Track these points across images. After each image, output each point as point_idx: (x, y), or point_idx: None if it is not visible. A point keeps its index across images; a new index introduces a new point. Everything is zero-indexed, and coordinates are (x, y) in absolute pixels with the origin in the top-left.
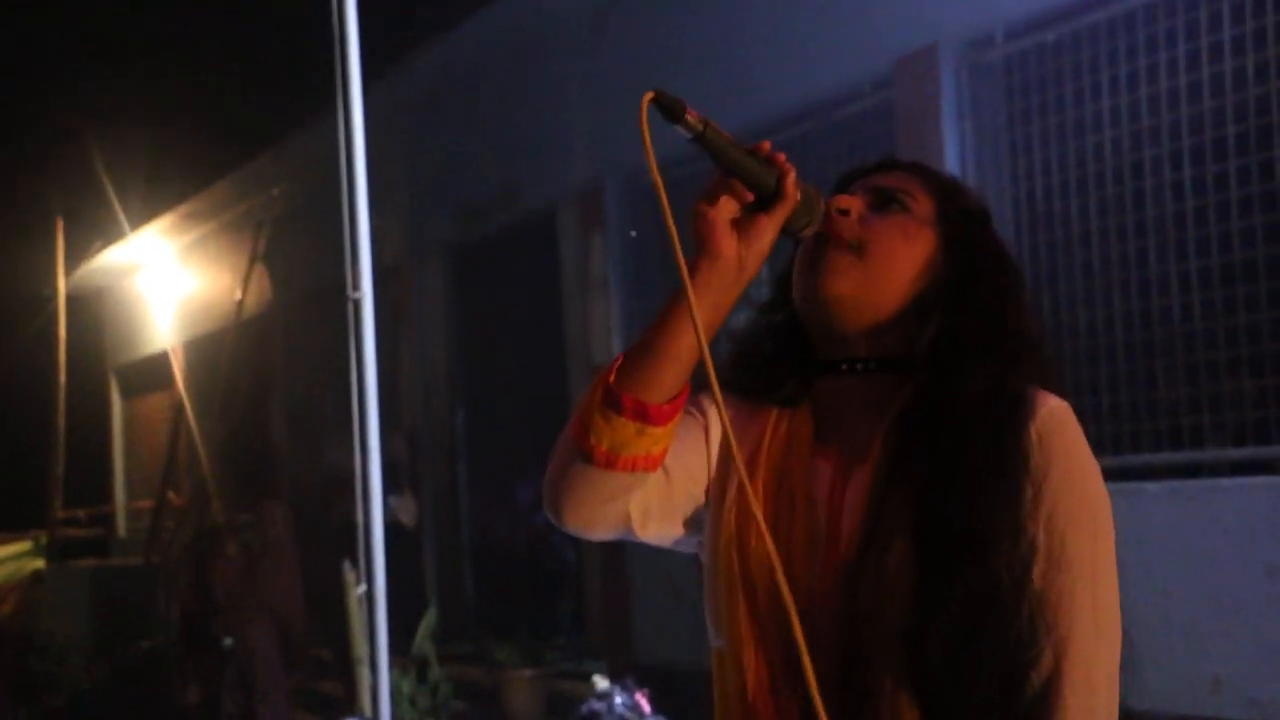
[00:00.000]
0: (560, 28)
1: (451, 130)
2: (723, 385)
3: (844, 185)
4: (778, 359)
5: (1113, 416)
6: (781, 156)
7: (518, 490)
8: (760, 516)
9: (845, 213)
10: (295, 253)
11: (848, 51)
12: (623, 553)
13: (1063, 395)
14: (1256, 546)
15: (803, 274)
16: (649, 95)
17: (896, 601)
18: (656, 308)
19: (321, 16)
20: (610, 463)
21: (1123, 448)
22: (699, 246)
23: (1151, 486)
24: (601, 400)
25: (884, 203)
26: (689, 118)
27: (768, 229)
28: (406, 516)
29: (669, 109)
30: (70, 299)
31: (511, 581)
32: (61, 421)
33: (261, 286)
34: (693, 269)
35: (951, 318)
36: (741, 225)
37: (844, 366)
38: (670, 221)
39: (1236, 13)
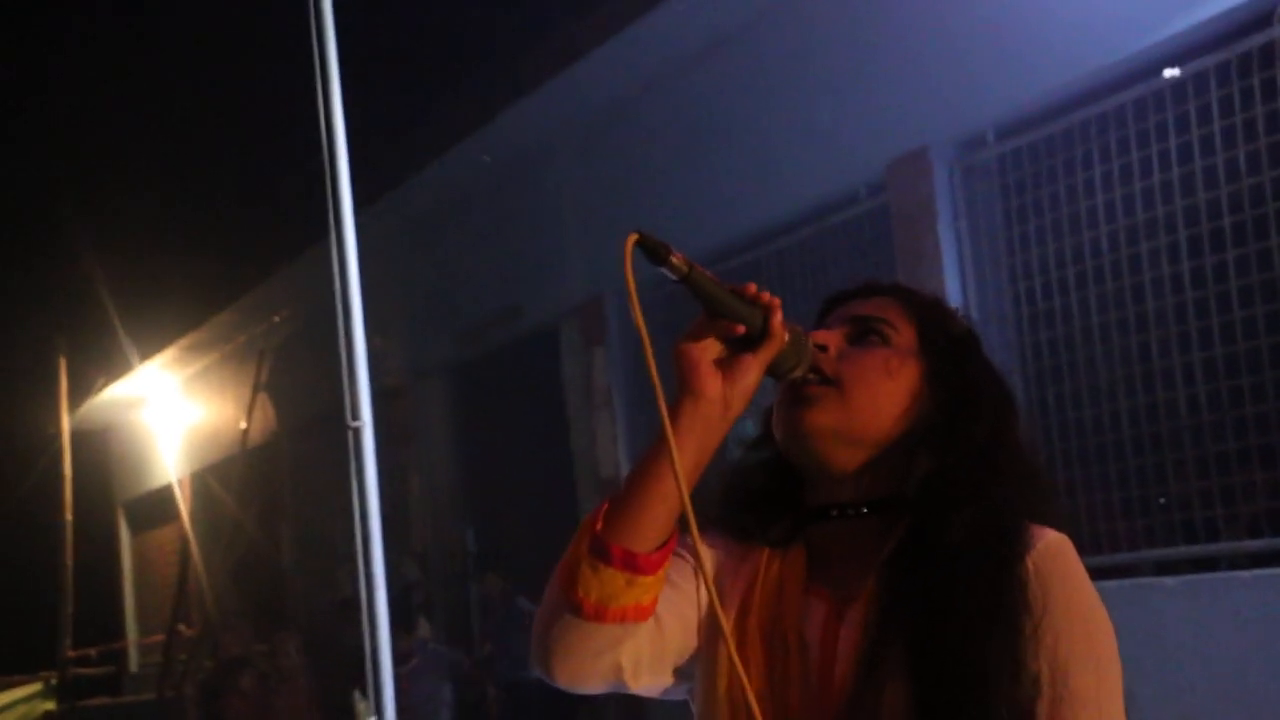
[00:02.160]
0: (553, 146)
1: (450, 250)
2: (713, 524)
3: (824, 313)
4: (768, 498)
5: (1124, 512)
6: (767, 296)
7: (531, 606)
8: (743, 672)
9: (824, 349)
10: (298, 380)
11: (841, 157)
12: None
13: (1061, 526)
14: (1278, 640)
15: (783, 410)
16: (633, 237)
17: None
18: (660, 422)
19: (316, 146)
20: (600, 615)
21: (1137, 543)
22: (682, 386)
23: (1169, 582)
24: (589, 550)
25: (863, 334)
26: (674, 260)
27: (753, 368)
28: (423, 636)
29: (653, 251)
30: (76, 435)
31: (530, 701)
32: (70, 560)
33: (266, 414)
34: (676, 409)
35: (941, 455)
36: (726, 365)
37: (834, 513)
38: (651, 361)
39: (1225, 105)
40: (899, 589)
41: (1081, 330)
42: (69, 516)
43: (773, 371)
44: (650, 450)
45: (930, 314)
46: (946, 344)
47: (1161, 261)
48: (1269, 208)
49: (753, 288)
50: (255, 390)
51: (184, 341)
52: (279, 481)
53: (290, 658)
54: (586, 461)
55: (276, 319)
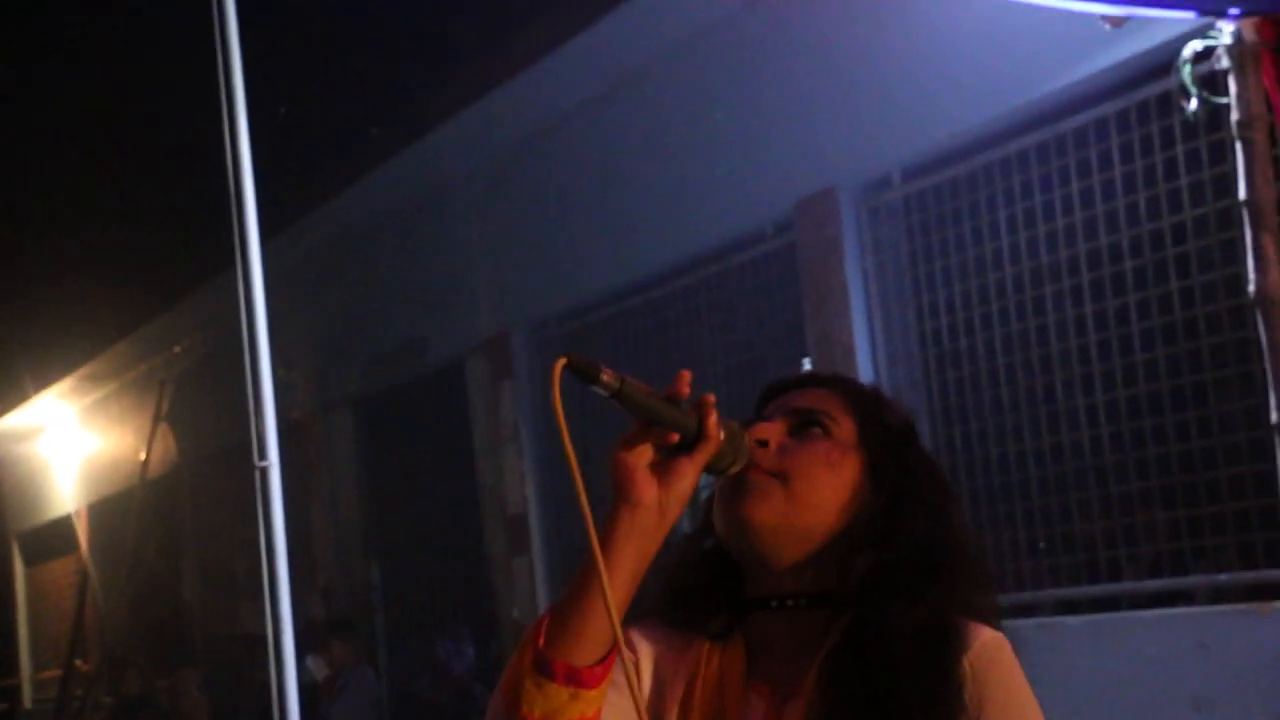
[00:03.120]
0: (461, 180)
1: (356, 283)
2: (653, 614)
3: (762, 402)
4: (707, 591)
5: (1029, 552)
6: (705, 397)
7: (438, 644)
8: None
9: (764, 444)
10: (200, 411)
11: (748, 195)
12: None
13: (996, 618)
14: (1180, 679)
15: (724, 503)
16: (561, 361)
17: None
18: (564, 457)
19: (220, 174)
20: None
21: (1041, 583)
22: (618, 494)
23: (1072, 621)
24: (532, 667)
25: (804, 426)
26: (604, 378)
27: (688, 472)
28: (323, 675)
29: (584, 372)
30: None
31: None
32: None
33: (166, 445)
34: (612, 517)
35: (881, 549)
36: (661, 470)
37: (774, 604)
38: (577, 474)
39: (1125, 151)
40: (838, 687)
41: (987, 371)
42: None
43: (710, 470)
44: (587, 565)
45: (868, 406)
46: (885, 436)
47: (1065, 304)
48: (1168, 252)
49: (687, 376)
50: (156, 421)
51: (82, 371)
52: (180, 514)
53: (192, 695)
54: (493, 497)
55: (177, 349)
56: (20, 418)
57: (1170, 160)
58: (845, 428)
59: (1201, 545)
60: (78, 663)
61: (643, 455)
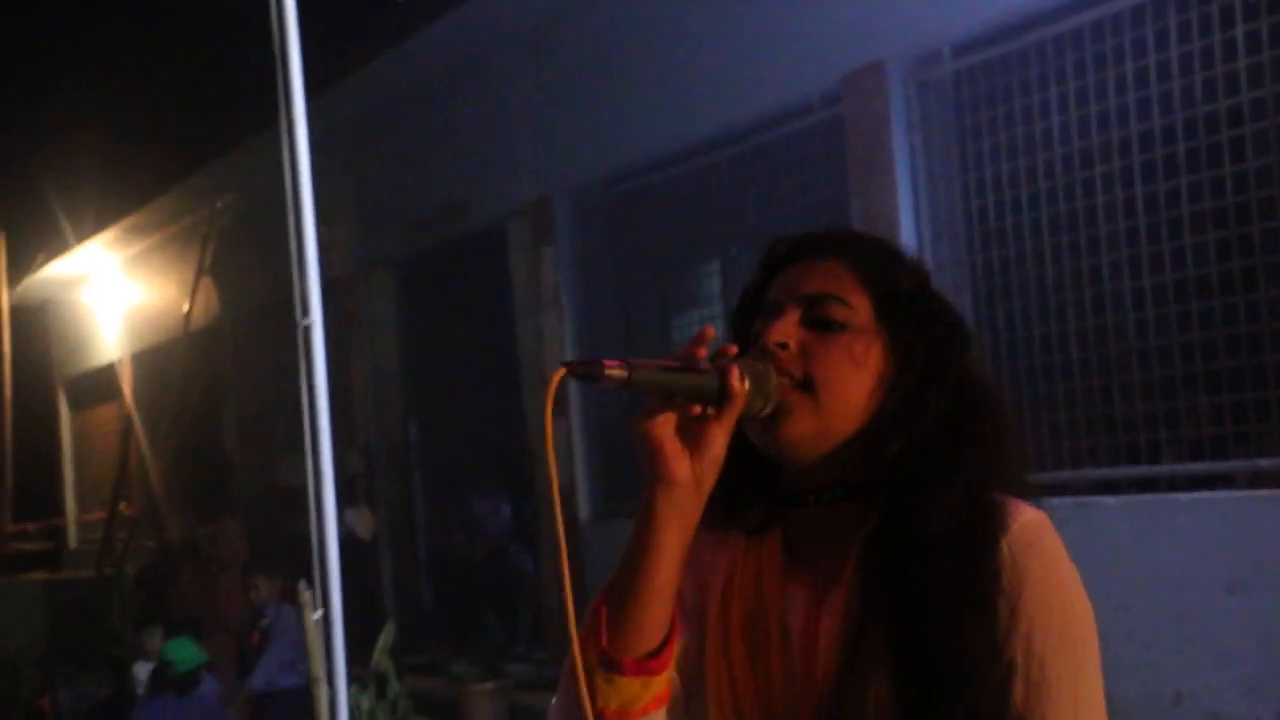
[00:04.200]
0: (505, 43)
1: (399, 143)
2: None
3: (767, 266)
4: (740, 486)
5: (1070, 432)
6: (725, 350)
7: (474, 502)
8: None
9: (784, 346)
10: (242, 265)
11: (795, 67)
12: (582, 561)
13: (1032, 490)
14: (1215, 561)
15: (757, 423)
16: (560, 372)
17: None
18: (610, 322)
19: (265, 30)
20: (624, 717)
21: (1080, 463)
22: (651, 474)
23: (1110, 501)
24: (600, 665)
25: (820, 319)
26: (610, 372)
27: (719, 436)
28: (363, 530)
29: (587, 375)
30: (15, 312)
31: (470, 593)
32: (9, 435)
33: (209, 299)
34: (649, 498)
35: (909, 432)
36: (690, 435)
37: (811, 499)
38: (557, 497)
39: (1182, 31)
40: (877, 576)
41: (1033, 250)
42: (8, 393)
43: (741, 419)
44: (633, 546)
45: (880, 273)
46: (901, 305)
47: (1115, 185)
48: (1222, 135)
49: (702, 348)
50: (198, 274)
51: (126, 222)
52: (222, 366)
53: (232, 544)
54: (532, 360)
55: (221, 204)
56: (66, 266)
57: (1229, 41)
58: (861, 309)
59: (1244, 430)
60: (121, 506)
61: (668, 424)
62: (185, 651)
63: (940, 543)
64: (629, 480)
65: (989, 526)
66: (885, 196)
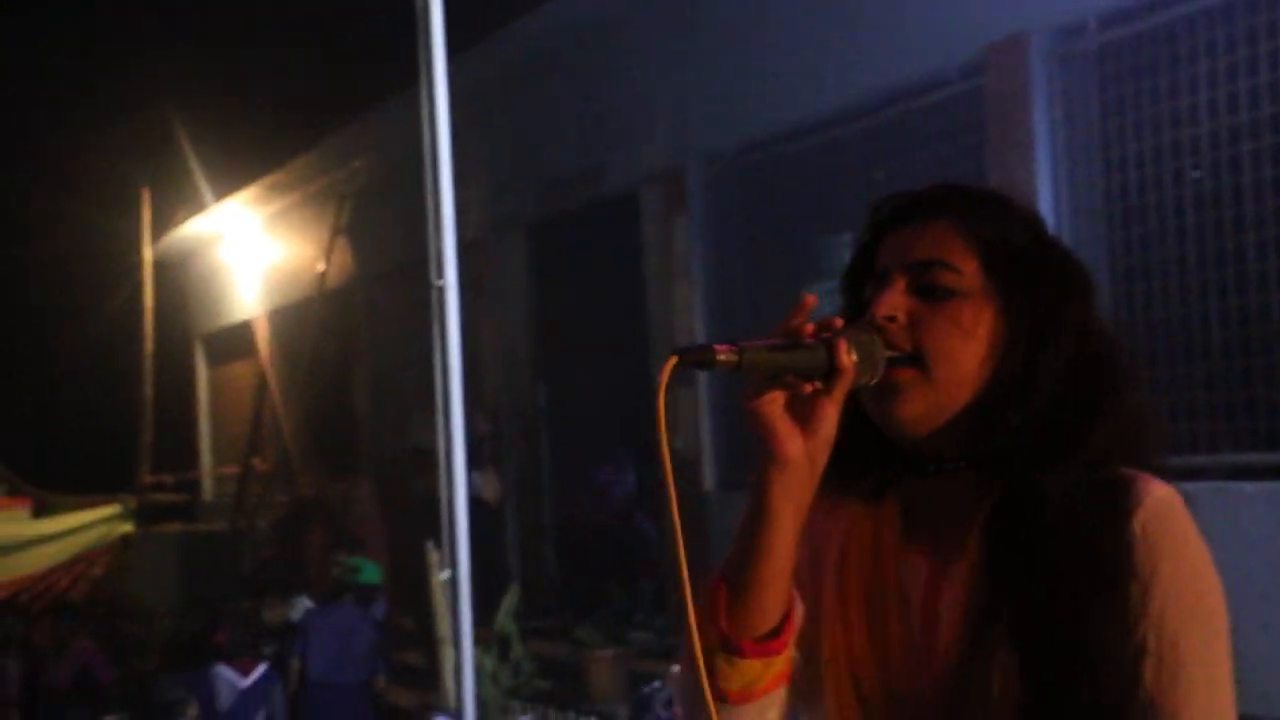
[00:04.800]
0: (645, 9)
1: (534, 106)
2: None
3: (874, 227)
4: (855, 453)
5: (1208, 415)
6: (830, 324)
7: (599, 468)
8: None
9: (892, 319)
10: (377, 226)
11: (938, 37)
12: (704, 530)
13: (1163, 463)
14: None
15: (870, 400)
16: (672, 360)
17: (1002, 715)
18: (740, 292)
19: None
20: (747, 697)
21: (1218, 447)
22: (764, 454)
23: (1249, 487)
24: (720, 647)
25: (927, 287)
26: (720, 358)
27: (830, 413)
28: (489, 493)
29: (700, 362)
30: (156, 267)
31: (593, 559)
32: (149, 388)
33: (344, 259)
34: (763, 478)
35: (1028, 400)
36: (800, 412)
37: (931, 469)
38: (671, 488)
39: None
40: (1001, 552)
41: (1175, 229)
42: (149, 346)
43: (854, 390)
44: (748, 532)
45: (990, 232)
46: (1013, 264)
47: (1262, 164)
48: None
49: (805, 320)
50: (334, 234)
51: (265, 181)
52: (355, 326)
53: (363, 502)
54: (663, 328)
55: (358, 164)
56: (206, 223)
57: None
58: (970, 272)
59: None
60: (255, 461)
61: (777, 402)
62: (371, 568)
63: (1065, 518)
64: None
65: (1118, 502)
66: (1024, 171)
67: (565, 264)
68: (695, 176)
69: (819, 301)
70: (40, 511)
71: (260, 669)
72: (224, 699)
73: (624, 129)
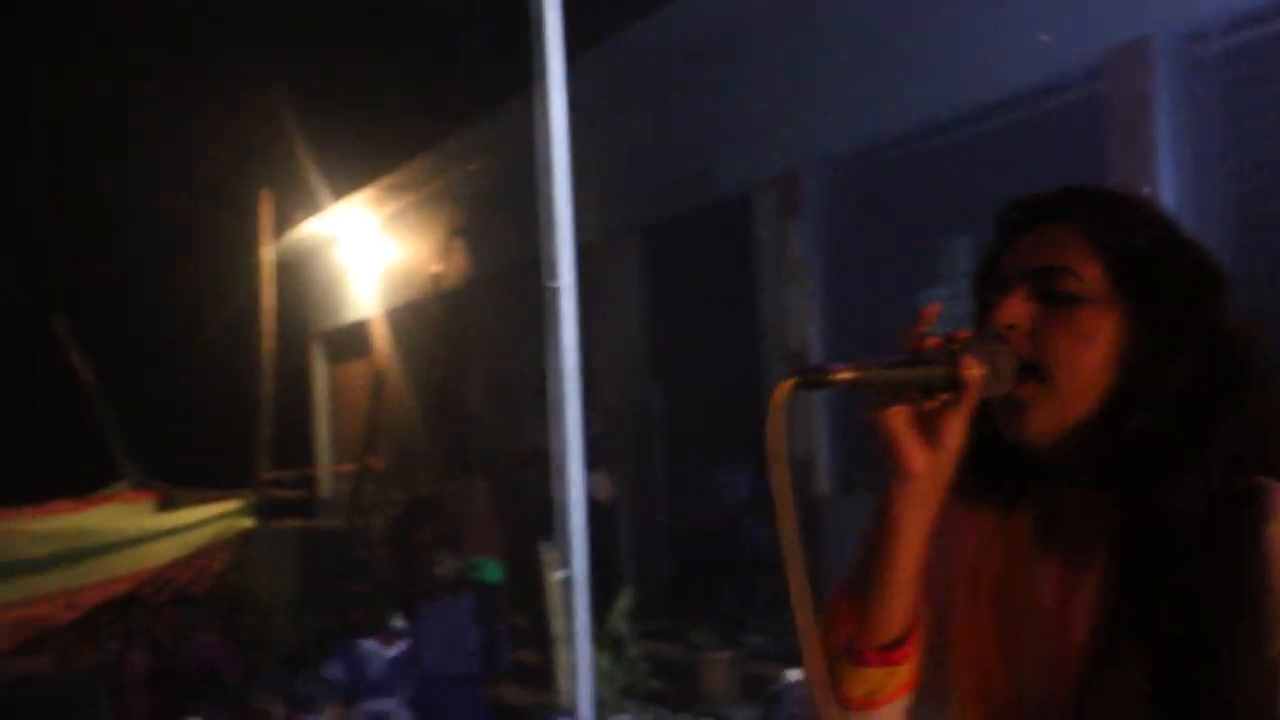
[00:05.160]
0: (760, 11)
1: (649, 109)
2: None
3: (1002, 228)
4: (984, 462)
5: None
6: (955, 337)
7: (713, 470)
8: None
9: (1013, 327)
10: (493, 228)
11: (1057, 41)
12: (818, 536)
13: None
14: None
15: (995, 414)
16: (789, 383)
17: None
18: (854, 296)
19: None
20: (871, 704)
21: None
22: (890, 469)
23: None
24: (844, 655)
25: (1050, 297)
26: (840, 377)
27: (956, 428)
28: (602, 493)
29: (817, 382)
30: (276, 266)
31: (706, 561)
32: (268, 386)
33: (459, 260)
34: (888, 493)
35: (1153, 406)
36: (925, 425)
37: (1059, 479)
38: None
39: None
40: (1132, 563)
41: None
42: (268, 345)
43: (982, 401)
44: (873, 544)
45: (1114, 235)
46: (1137, 270)
47: None
48: None
49: (930, 311)
50: (450, 235)
51: (382, 182)
52: (470, 327)
53: (476, 502)
54: (776, 333)
55: (474, 166)
56: (324, 224)
57: None
58: (1092, 278)
59: None
60: (371, 459)
61: (902, 416)
62: (492, 566)
63: (1196, 529)
64: (869, 454)
65: (1251, 513)
66: (1147, 178)
67: (678, 267)
68: (810, 180)
69: (940, 308)
70: (165, 505)
71: (403, 643)
72: (373, 669)
73: (739, 132)
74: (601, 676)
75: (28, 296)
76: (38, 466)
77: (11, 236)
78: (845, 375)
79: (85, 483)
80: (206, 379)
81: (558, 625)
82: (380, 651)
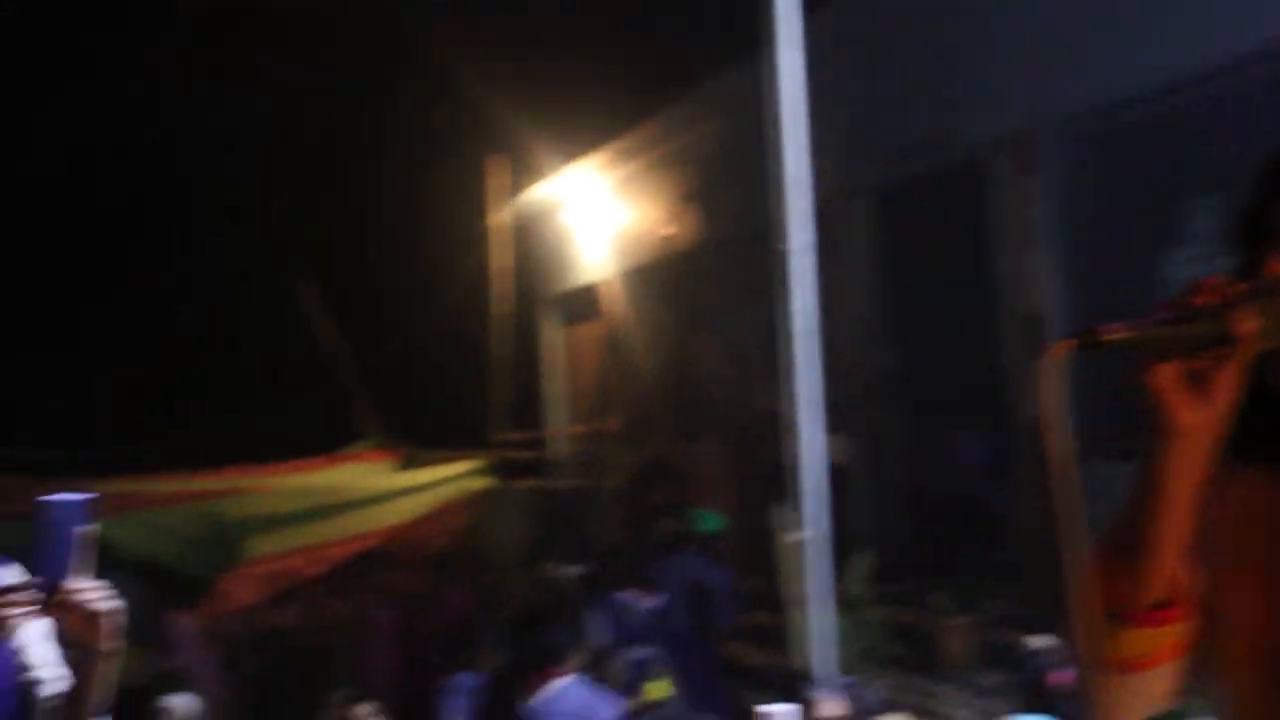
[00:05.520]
0: None
1: (882, 68)
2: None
3: (1269, 188)
4: (1255, 417)
5: None
6: (1232, 290)
7: (950, 435)
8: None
9: None
10: (725, 190)
11: None
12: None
13: None
14: None
15: (1271, 361)
16: (1065, 343)
17: None
18: (1093, 258)
19: None
20: (1140, 665)
21: None
22: (1159, 427)
23: None
24: (1115, 615)
25: None
26: (1111, 338)
27: (1228, 382)
28: (837, 456)
29: (1091, 344)
30: (507, 230)
31: (944, 526)
32: (503, 349)
33: (691, 223)
34: (1157, 451)
35: None
36: (1197, 382)
37: None
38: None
39: None
40: None
41: None
42: (502, 309)
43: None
44: (1142, 503)
45: None
46: None
47: None
48: None
49: (1199, 294)
50: (680, 199)
51: (613, 146)
52: (702, 290)
53: (709, 464)
54: (1011, 298)
55: (706, 128)
56: (555, 188)
57: None
58: None
59: None
60: (603, 422)
61: (1172, 374)
62: (712, 517)
63: None
64: (1117, 415)
65: None
66: None
67: (910, 229)
68: (1048, 140)
69: (1190, 269)
70: (405, 465)
71: (659, 595)
72: (630, 620)
73: (974, 92)
74: (839, 639)
75: (275, 264)
76: (285, 426)
77: (257, 204)
78: (1119, 335)
79: (328, 442)
80: (444, 342)
81: (792, 587)
82: (636, 603)
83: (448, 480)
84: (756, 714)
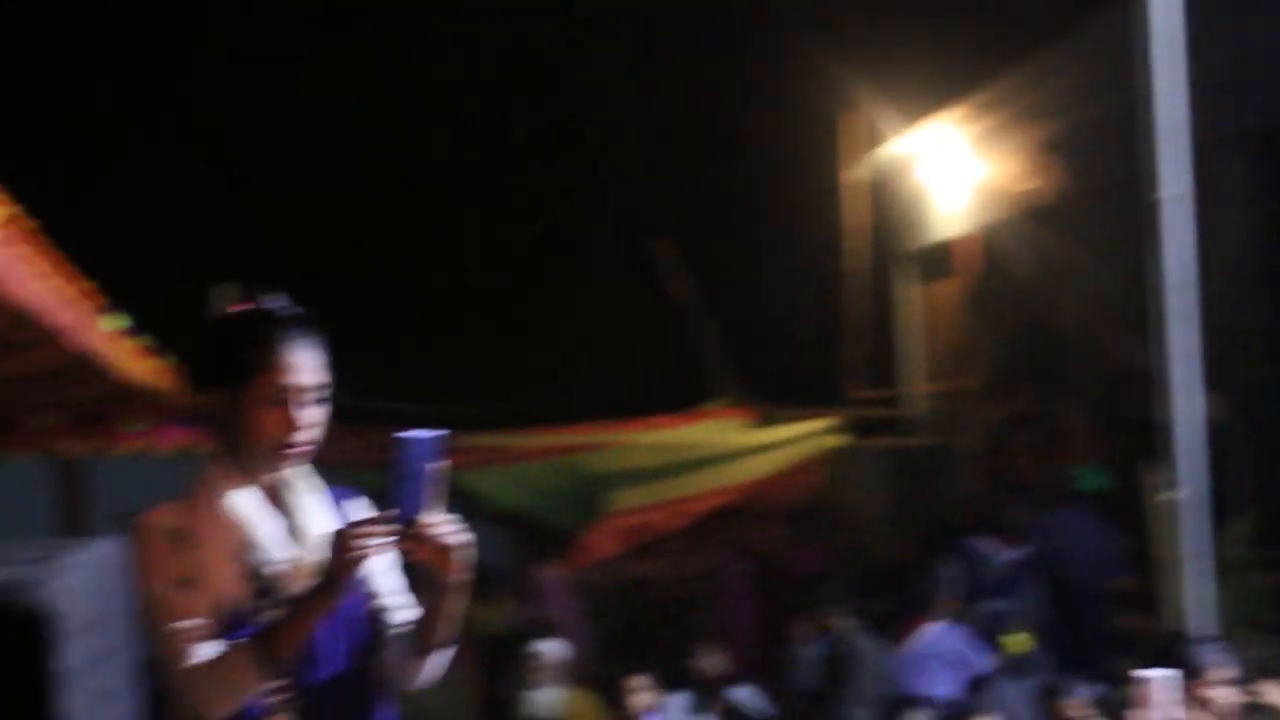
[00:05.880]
0: None
1: (1265, 3)
2: None
3: None
4: None
5: None
6: None
7: None
8: None
9: None
10: (1091, 140)
11: None
12: None
13: None
14: None
15: None
16: None
17: None
18: None
19: None
20: None
21: None
22: None
23: None
24: None
25: None
26: None
27: None
28: (1217, 413)
29: None
30: (861, 186)
31: None
32: (857, 306)
33: (1054, 176)
34: None
35: None
36: None
37: None
38: None
39: None
40: None
41: None
42: (855, 265)
43: None
44: None
45: None
46: None
47: None
48: None
49: None
50: (1043, 151)
51: (972, 99)
52: (1065, 244)
53: (1072, 421)
54: None
55: (1071, 78)
56: (909, 143)
57: None
58: None
59: None
60: (961, 379)
61: None
62: (1091, 475)
63: None
64: None
65: None
66: None
67: None
68: None
69: None
70: (760, 422)
71: (1024, 547)
72: (989, 569)
73: None
74: (1218, 603)
75: (631, 220)
76: (640, 383)
77: (615, 163)
78: None
79: (683, 399)
80: (798, 299)
81: (1165, 548)
82: (997, 552)
83: (803, 438)
84: (1134, 678)
